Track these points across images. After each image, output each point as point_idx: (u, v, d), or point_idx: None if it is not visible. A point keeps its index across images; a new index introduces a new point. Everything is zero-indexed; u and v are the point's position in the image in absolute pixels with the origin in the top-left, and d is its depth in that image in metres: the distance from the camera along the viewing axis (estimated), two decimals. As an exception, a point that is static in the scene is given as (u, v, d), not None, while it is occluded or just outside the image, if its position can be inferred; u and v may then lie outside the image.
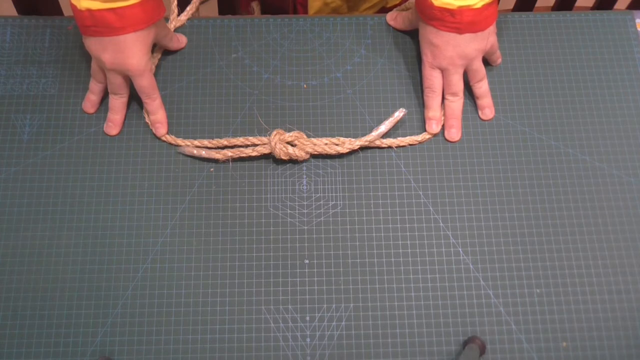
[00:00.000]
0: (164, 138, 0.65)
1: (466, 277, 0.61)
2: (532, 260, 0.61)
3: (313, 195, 0.63)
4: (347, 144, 0.63)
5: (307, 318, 0.59)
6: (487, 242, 0.62)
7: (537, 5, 0.86)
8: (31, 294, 0.59)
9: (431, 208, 0.63)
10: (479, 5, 0.60)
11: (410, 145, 0.65)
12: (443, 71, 0.65)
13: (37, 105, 0.66)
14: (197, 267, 0.60)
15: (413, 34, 0.70)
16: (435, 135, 0.66)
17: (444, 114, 0.66)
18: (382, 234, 0.62)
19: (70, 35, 0.69)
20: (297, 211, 0.63)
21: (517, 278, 0.61)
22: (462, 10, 0.60)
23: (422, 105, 0.67)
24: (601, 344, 0.59)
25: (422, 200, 0.63)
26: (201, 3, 0.73)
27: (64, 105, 0.66)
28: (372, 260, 0.61)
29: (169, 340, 0.58)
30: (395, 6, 0.80)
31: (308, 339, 0.59)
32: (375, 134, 0.64)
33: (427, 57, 0.65)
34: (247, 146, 0.64)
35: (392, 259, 0.61)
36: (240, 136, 0.64)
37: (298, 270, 0.61)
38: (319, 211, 0.63)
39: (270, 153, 0.64)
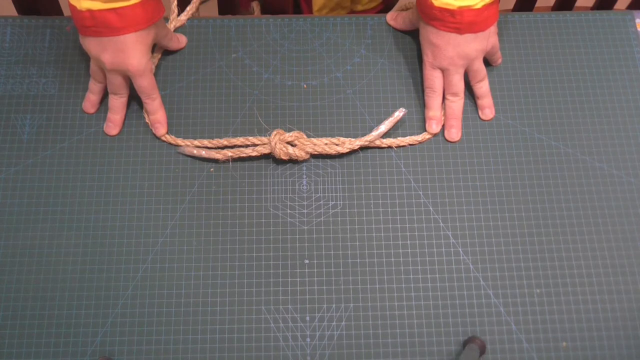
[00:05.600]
0: (164, 138, 0.65)
1: (466, 277, 0.61)
2: (532, 260, 0.61)
3: (313, 195, 0.63)
4: (347, 144, 0.63)
5: (307, 318, 0.59)
6: (487, 242, 0.62)
7: (537, 5, 0.86)
8: (31, 294, 0.59)
9: (431, 208, 0.63)
10: (479, 6, 0.60)
11: (410, 145, 0.65)
12: (444, 71, 0.65)
13: (37, 105, 0.66)
14: (197, 267, 0.60)
15: (413, 34, 0.70)
16: (435, 135, 0.66)
17: (444, 114, 0.66)
18: (382, 234, 0.62)
19: (70, 35, 0.69)
20: (297, 211, 0.63)
21: (517, 278, 0.61)
22: (462, 10, 0.60)
23: (422, 105, 0.67)
24: (601, 344, 0.59)
25: (422, 200, 0.63)
26: (201, 3, 0.73)
27: (64, 105, 0.66)
28: (372, 260, 0.61)
29: (169, 340, 0.58)
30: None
31: (308, 339, 0.59)
32: (375, 134, 0.64)
33: (427, 57, 0.65)
34: (247, 146, 0.64)
35: (392, 259, 0.61)
36: (240, 136, 0.64)
37: (298, 270, 0.61)
38: (319, 211, 0.63)
39: (270, 153, 0.64)
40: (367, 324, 0.59)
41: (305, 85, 0.68)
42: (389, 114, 0.65)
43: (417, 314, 0.59)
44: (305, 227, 0.62)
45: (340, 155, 0.65)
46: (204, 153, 0.63)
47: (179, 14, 0.71)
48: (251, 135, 0.65)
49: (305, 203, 0.63)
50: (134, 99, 0.66)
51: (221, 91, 0.67)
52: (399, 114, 0.64)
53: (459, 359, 0.56)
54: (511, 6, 0.89)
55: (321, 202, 0.63)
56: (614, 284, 0.61)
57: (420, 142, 0.65)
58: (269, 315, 0.59)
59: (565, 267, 0.61)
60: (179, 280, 0.60)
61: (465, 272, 0.61)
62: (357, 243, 0.62)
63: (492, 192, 0.64)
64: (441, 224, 0.62)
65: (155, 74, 0.67)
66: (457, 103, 0.66)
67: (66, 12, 0.68)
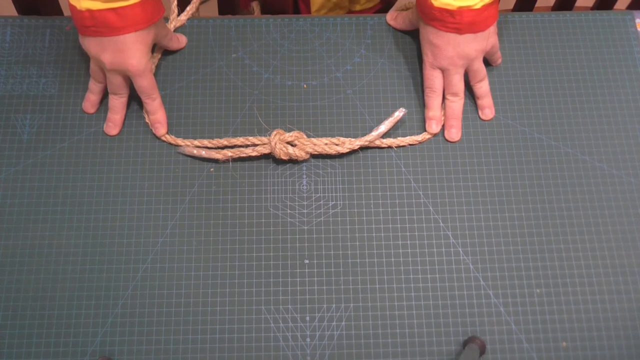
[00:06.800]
0: (164, 138, 0.65)
1: (466, 277, 0.61)
2: (532, 260, 0.61)
3: (313, 195, 0.63)
4: (347, 144, 0.63)
5: (307, 318, 0.59)
6: (487, 242, 0.62)
7: (537, 5, 0.86)
8: (31, 294, 0.59)
9: (431, 208, 0.63)
10: (478, 6, 0.60)
11: (410, 145, 0.65)
12: (444, 71, 0.65)
13: (37, 105, 0.66)
14: (197, 267, 0.60)
15: (413, 34, 0.70)
16: (435, 135, 0.66)
17: (444, 114, 0.66)
18: (382, 234, 0.62)
19: (70, 35, 0.69)
20: (297, 211, 0.63)
21: (517, 278, 0.61)
22: (462, 10, 0.60)
23: (422, 105, 0.67)
24: (601, 344, 0.59)
25: (422, 200, 0.63)
26: (201, 3, 0.73)
27: (64, 105, 0.66)
28: (372, 260, 0.61)
29: (169, 340, 0.58)
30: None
31: (308, 339, 0.59)
32: (375, 134, 0.64)
33: (427, 57, 0.65)
34: (247, 146, 0.64)
35: (392, 259, 0.61)
36: (240, 136, 0.64)
37: (298, 270, 0.61)
38: (319, 211, 0.63)
39: (270, 153, 0.64)
40: (367, 324, 0.59)
41: (305, 85, 0.68)
42: (389, 114, 0.65)
43: (417, 314, 0.59)
44: (305, 227, 0.62)
45: (340, 155, 0.65)
46: (204, 153, 0.63)
47: (179, 14, 0.71)
48: (251, 135, 0.65)
49: (305, 203, 0.63)
50: (134, 99, 0.66)
51: (221, 91, 0.67)
52: (399, 114, 0.64)
53: (459, 359, 0.56)
54: (511, 6, 0.89)
55: (321, 202, 0.63)
56: (614, 284, 0.61)
57: (420, 142, 0.65)
58: (269, 315, 0.59)
59: (565, 267, 0.61)
60: (179, 280, 0.60)
61: (465, 272, 0.61)
62: (357, 243, 0.62)
63: (492, 192, 0.64)
64: (441, 224, 0.62)
65: (155, 74, 0.67)
66: (457, 103, 0.66)
67: (66, 12, 0.68)
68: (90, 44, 0.61)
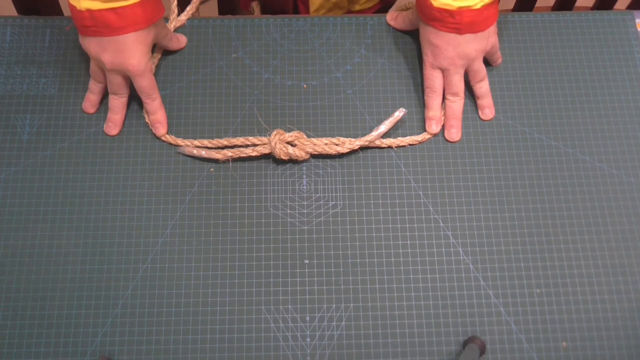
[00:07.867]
0: (164, 138, 0.65)
1: (466, 277, 0.61)
2: (532, 260, 0.61)
3: (313, 195, 0.63)
4: (347, 144, 0.63)
5: (307, 318, 0.59)
6: (487, 242, 0.62)
7: (537, 5, 0.86)
8: (31, 294, 0.59)
9: (431, 208, 0.63)
10: (478, 6, 0.60)
11: (410, 145, 0.65)
12: (444, 71, 0.65)
13: (37, 105, 0.66)
14: (197, 267, 0.60)
15: (413, 34, 0.70)
16: (435, 135, 0.66)
17: (444, 114, 0.66)
18: (382, 234, 0.62)
19: (70, 35, 0.69)
20: (297, 211, 0.63)
21: (517, 278, 0.61)
22: (461, 11, 0.60)
23: (422, 105, 0.67)
24: (601, 344, 0.59)
25: (422, 200, 0.63)
26: (201, 3, 0.73)
27: (64, 105, 0.66)
28: (372, 260, 0.61)
29: (169, 340, 0.58)
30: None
31: (308, 339, 0.59)
32: (375, 134, 0.64)
33: (427, 57, 0.65)
34: (247, 146, 0.64)
35: (392, 259, 0.61)
36: (240, 136, 0.64)
37: (298, 270, 0.61)
38: (319, 211, 0.63)
39: (270, 153, 0.64)
40: (367, 324, 0.59)
41: (305, 85, 0.68)
42: (389, 114, 0.65)
43: (417, 314, 0.59)
44: (305, 227, 0.62)
45: (340, 155, 0.65)
46: (204, 153, 0.63)
47: (179, 14, 0.71)
48: (251, 135, 0.65)
49: (305, 203, 0.63)
50: (134, 99, 0.66)
51: (221, 91, 0.67)
52: (399, 114, 0.64)
53: (459, 359, 0.56)
54: (511, 6, 0.89)
55: (321, 202, 0.63)
56: (614, 284, 0.61)
57: (420, 142, 0.66)
58: (269, 315, 0.59)
59: (565, 267, 0.61)
60: (179, 280, 0.60)
61: (465, 272, 0.61)
62: (357, 243, 0.62)
63: (492, 192, 0.64)
64: (441, 224, 0.62)
65: (155, 74, 0.67)
66: (457, 103, 0.66)
67: (66, 12, 0.68)
68: (90, 44, 0.61)
